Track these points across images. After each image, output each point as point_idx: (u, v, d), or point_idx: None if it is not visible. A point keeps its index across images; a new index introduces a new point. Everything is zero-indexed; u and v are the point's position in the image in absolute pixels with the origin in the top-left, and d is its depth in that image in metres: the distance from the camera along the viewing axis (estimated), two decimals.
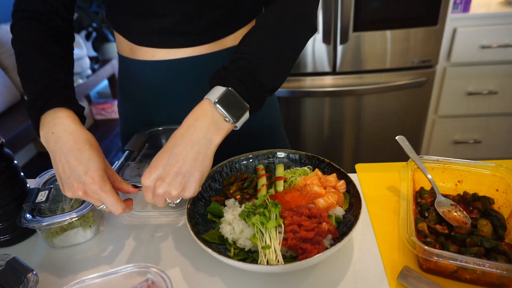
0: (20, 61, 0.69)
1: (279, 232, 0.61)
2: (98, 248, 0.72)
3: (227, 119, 0.59)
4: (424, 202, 0.71)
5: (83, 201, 0.70)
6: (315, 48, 1.92)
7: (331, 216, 0.67)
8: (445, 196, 0.72)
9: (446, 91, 2.08)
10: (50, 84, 0.65)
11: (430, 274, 0.60)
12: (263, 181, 0.75)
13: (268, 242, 0.60)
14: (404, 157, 0.77)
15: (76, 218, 0.68)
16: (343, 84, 2.00)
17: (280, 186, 0.74)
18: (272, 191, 0.73)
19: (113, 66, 3.30)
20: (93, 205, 0.69)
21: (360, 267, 0.63)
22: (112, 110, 3.32)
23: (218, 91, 0.59)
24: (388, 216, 0.74)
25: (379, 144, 2.18)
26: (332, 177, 0.73)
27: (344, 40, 1.88)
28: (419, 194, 0.74)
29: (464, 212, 0.68)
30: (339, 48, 1.91)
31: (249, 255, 0.63)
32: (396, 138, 0.78)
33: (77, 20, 2.92)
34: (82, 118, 0.66)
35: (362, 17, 1.82)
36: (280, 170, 0.77)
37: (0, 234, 0.72)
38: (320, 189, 0.70)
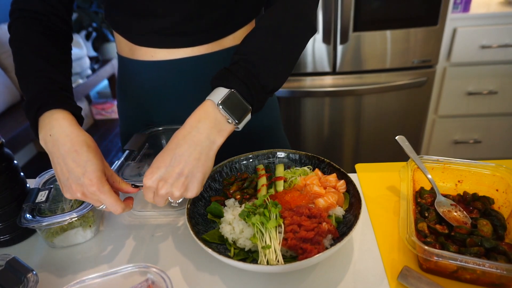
0: (17, 61, 0.69)
1: (279, 232, 0.61)
2: (98, 248, 0.72)
3: (229, 121, 0.59)
4: (424, 202, 0.71)
5: (83, 201, 0.70)
6: (315, 48, 1.92)
7: (331, 216, 0.67)
8: (445, 196, 0.72)
9: (446, 91, 2.08)
10: (47, 86, 0.65)
11: (430, 274, 0.60)
12: (263, 181, 0.75)
13: (268, 242, 0.60)
14: (404, 157, 0.77)
15: (76, 218, 0.68)
16: (343, 84, 2.00)
17: (280, 186, 0.74)
18: (272, 191, 0.73)
19: (113, 66, 3.30)
20: (93, 205, 0.69)
21: (360, 267, 0.63)
22: (112, 110, 3.32)
23: (221, 92, 0.59)
24: (388, 216, 0.74)
25: (379, 144, 2.18)
26: (332, 177, 0.73)
27: (344, 40, 1.88)
28: (419, 194, 0.74)
29: (464, 212, 0.68)
30: (339, 48, 1.91)
31: (249, 255, 0.63)
32: (396, 138, 0.78)
33: (77, 20, 2.92)
34: (79, 119, 0.66)
35: (362, 17, 1.82)
36: (280, 170, 0.77)
37: (0, 234, 0.72)
38: (320, 189, 0.70)
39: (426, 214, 0.68)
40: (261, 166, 0.80)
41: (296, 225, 0.61)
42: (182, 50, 0.81)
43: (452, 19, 1.89)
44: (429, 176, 0.73)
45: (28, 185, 0.77)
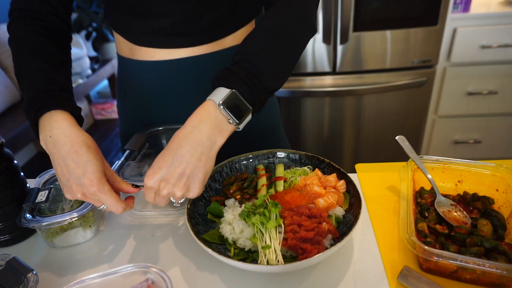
0: (16, 61, 0.69)
1: (279, 232, 0.61)
2: (98, 248, 0.72)
3: (230, 121, 0.59)
4: (424, 202, 0.71)
5: (83, 201, 0.70)
6: (315, 48, 1.92)
7: (331, 216, 0.67)
8: (445, 196, 0.72)
9: (446, 91, 2.08)
10: (47, 86, 0.65)
11: (430, 274, 0.60)
12: (263, 181, 0.75)
13: (268, 242, 0.60)
14: (404, 157, 0.77)
15: (76, 218, 0.68)
16: (343, 84, 2.00)
17: (280, 186, 0.74)
18: (272, 191, 0.73)
19: (113, 66, 3.30)
20: (93, 205, 0.69)
21: (360, 267, 0.63)
22: (112, 110, 3.32)
23: (222, 92, 0.59)
24: (388, 216, 0.74)
25: (379, 144, 2.18)
26: (332, 177, 0.73)
27: (344, 40, 1.88)
28: (419, 194, 0.74)
29: (464, 212, 0.68)
30: (339, 48, 1.91)
31: (249, 255, 0.63)
32: (396, 138, 0.78)
33: (77, 20, 2.92)
34: (79, 119, 0.66)
35: (362, 17, 1.82)
36: (280, 170, 0.77)
37: (0, 234, 0.72)
38: (320, 189, 0.70)
39: (426, 214, 0.68)
40: (261, 166, 0.80)
41: (296, 225, 0.61)
42: (182, 50, 0.81)
43: (452, 19, 1.89)
44: (429, 176, 0.73)
45: (28, 185, 0.77)
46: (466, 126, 2.19)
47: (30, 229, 0.74)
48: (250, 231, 0.64)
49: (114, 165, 0.75)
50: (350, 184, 0.71)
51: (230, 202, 0.72)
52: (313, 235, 0.59)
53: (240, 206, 0.71)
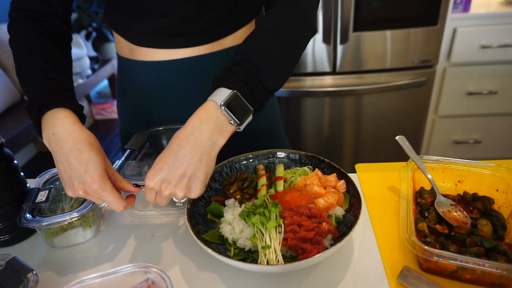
0: (17, 62, 0.69)
1: (279, 232, 0.61)
2: (98, 248, 0.72)
3: (231, 122, 0.59)
4: (424, 202, 0.71)
5: (83, 201, 0.70)
6: (315, 48, 1.92)
7: (331, 216, 0.67)
8: (445, 196, 0.72)
9: (446, 91, 2.08)
10: (48, 85, 0.65)
11: (430, 274, 0.60)
12: (263, 181, 0.75)
13: (268, 242, 0.60)
14: (404, 157, 0.77)
15: (76, 218, 0.68)
16: (343, 84, 2.00)
17: (280, 186, 0.74)
18: (272, 191, 0.73)
19: (113, 66, 3.30)
20: (93, 205, 0.69)
21: (360, 267, 0.63)
22: (112, 110, 3.32)
23: (223, 93, 0.59)
24: (388, 216, 0.74)
25: (379, 144, 2.18)
26: (332, 177, 0.73)
27: (344, 40, 1.88)
28: (419, 194, 0.74)
29: (464, 212, 0.68)
30: (339, 48, 1.91)
31: (249, 255, 0.63)
32: (396, 138, 0.78)
33: (77, 20, 2.92)
34: (81, 117, 0.66)
35: (362, 17, 1.82)
36: (280, 170, 0.77)
37: (0, 234, 0.72)
38: (320, 189, 0.70)
39: (426, 214, 0.68)
40: (261, 166, 0.80)
41: (296, 225, 0.61)
42: (182, 50, 0.81)
43: (452, 19, 1.89)
44: (429, 176, 0.73)
45: (28, 185, 0.77)
46: (466, 126, 2.19)
47: (30, 229, 0.74)
48: (250, 231, 0.64)
49: (114, 165, 0.75)
50: (350, 184, 0.71)
51: (230, 202, 0.72)
52: (313, 235, 0.59)
53: (240, 206, 0.71)
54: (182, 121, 0.61)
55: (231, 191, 0.74)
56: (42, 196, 0.72)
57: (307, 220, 0.62)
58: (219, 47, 0.82)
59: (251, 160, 0.82)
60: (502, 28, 1.89)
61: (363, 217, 0.74)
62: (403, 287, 0.58)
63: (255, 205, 0.66)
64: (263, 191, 0.73)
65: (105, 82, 3.56)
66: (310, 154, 0.80)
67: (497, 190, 0.71)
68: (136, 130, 0.89)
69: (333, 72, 1.98)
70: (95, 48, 3.26)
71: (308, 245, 0.58)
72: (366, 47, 1.90)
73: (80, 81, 2.84)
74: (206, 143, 0.58)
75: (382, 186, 0.82)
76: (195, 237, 0.60)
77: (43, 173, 0.81)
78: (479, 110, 2.13)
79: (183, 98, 0.87)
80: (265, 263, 0.58)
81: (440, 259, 0.54)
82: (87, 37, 3.14)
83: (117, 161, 0.77)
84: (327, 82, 2.01)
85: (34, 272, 0.56)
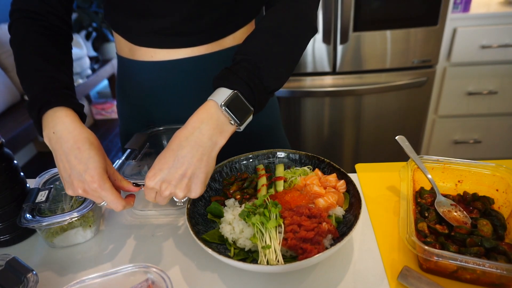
0: (18, 61, 0.69)
1: (279, 232, 0.61)
2: (98, 248, 0.72)
3: (232, 122, 0.59)
4: (424, 202, 0.71)
5: (83, 201, 0.70)
6: (315, 48, 1.92)
7: (331, 216, 0.67)
8: (445, 196, 0.72)
9: (446, 91, 2.08)
10: (49, 85, 0.65)
11: (430, 274, 0.60)
12: (263, 181, 0.75)
13: (268, 242, 0.60)
14: (404, 157, 0.78)
15: (76, 218, 0.68)
16: (343, 84, 2.00)
17: (280, 186, 0.74)
18: (272, 191, 0.73)
19: (113, 66, 3.30)
20: (93, 205, 0.69)
21: (360, 267, 0.63)
22: (112, 110, 3.32)
23: (223, 93, 0.59)
24: (388, 216, 0.74)
25: (379, 144, 2.18)
26: (332, 177, 0.73)
27: (344, 40, 1.88)
28: (419, 194, 0.74)
29: (464, 212, 0.68)
30: (339, 48, 1.91)
31: (249, 255, 0.63)
32: (396, 138, 0.79)
33: (77, 20, 2.92)
34: (82, 116, 0.66)
35: (362, 17, 1.82)
36: (280, 170, 0.77)
37: (0, 234, 0.72)
38: (320, 189, 0.70)
39: (426, 214, 0.68)
40: (261, 166, 0.80)
41: (296, 225, 0.61)
42: (182, 50, 0.81)
43: (452, 19, 1.89)
44: (429, 176, 0.73)
45: (28, 185, 0.77)
46: (466, 126, 2.19)
47: (30, 229, 0.74)
48: (250, 231, 0.64)
49: (114, 164, 0.75)
50: (350, 184, 0.71)
51: (230, 202, 0.72)
52: (313, 235, 0.59)
53: (240, 206, 0.71)
54: (182, 121, 0.61)
55: (231, 191, 0.74)
56: (42, 196, 0.72)
57: (307, 220, 0.62)
58: (219, 47, 0.82)
59: (251, 160, 0.82)
60: (502, 28, 1.89)
61: (363, 217, 0.74)
62: (403, 287, 0.58)
63: (255, 205, 0.66)
64: (263, 191, 0.73)
65: (105, 82, 3.56)
66: (310, 154, 0.80)
67: (497, 190, 0.71)
68: (136, 130, 0.89)
69: (333, 72, 1.99)
70: (95, 48, 3.26)
71: (308, 245, 0.58)
72: (366, 47, 1.90)
73: (80, 81, 2.84)
74: (207, 143, 0.58)
75: (382, 186, 0.82)
76: (195, 237, 0.60)
77: (43, 173, 0.81)
78: (479, 110, 2.13)
79: (183, 98, 0.87)
80: (265, 263, 0.58)
81: (440, 259, 0.54)
82: (87, 37, 3.14)
83: (117, 160, 0.78)
84: (327, 82, 2.01)
85: (34, 272, 0.56)
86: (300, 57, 0.70)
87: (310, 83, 2.01)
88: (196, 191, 0.59)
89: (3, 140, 0.72)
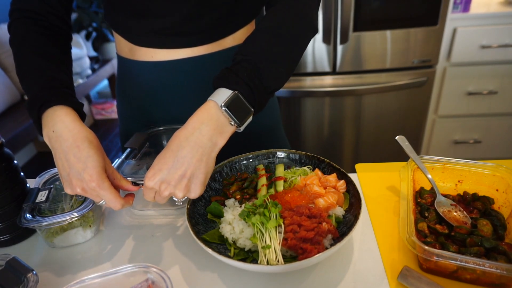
0: (17, 61, 0.69)
1: (279, 232, 0.61)
2: (98, 248, 0.72)
3: (232, 123, 0.59)
4: (424, 202, 0.71)
5: (83, 201, 0.70)
6: (315, 48, 1.92)
7: (331, 216, 0.67)
8: (445, 196, 0.72)
9: (446, 91, 2.08)
10: (48, 83, 0.65)
11: (430, 274, 0.60)
12: (263, 181, 0.75)
13: (268, 242, 0.60)
14: (404, 157, 0.77)
15: (76, 218, 0.68)
16: (343, 84, 2.00)
17: (280, 186, 0.74)
18: (272, 191, 0.73)
19: (113, 66, 3.30)
20: (93, 205, 0.69)
21: (360, 267, 0.63)
22: (112, 110, 3.32)
23: (224, 94, 0.59)
24: (388, 216, 0.74)
25: (379, 144, 2.18)
26: (332, 177, 0.73)
27: (344, 40, 1.88)
28: (419, 194, 0.74)
29: (464, 212, 0.68)
30: (339, 48, 1.91)
31: (249, 255, 0.63)
32: (396, 138, 0.78)
33: (77, 20, 2.92)
34: (82, 115, 0.66)
35: (362, 17, 1.82)
36: (280, 170, 0.77)
37: (0, 234, 0.72)
38: (320, 189, 0.70)
39: (426, 214, 0.68)
40: (261, 166, 0.80)
41: (296, 225, 0.61)
42: (182, 51, 0.81)
43: (452, 19, 1.89)
44: (429, 176, 0.73)
45: (28, 185, 0.77)
46: (466, 126, 2.19)
47: (30, 229, 0.74)
48: (250, 231, 0.64)
49: (114, 163, 0.75)
50: (350, 184, 0.71)
51: (230, 202, 0.72)
52: (313, 235, 0.59)
53: (240, 206, 0.71)
54: (182, 121, 0.61)
55: (231, 191, 0.74)
56: (42, 196, 0.72)
57: (307, 220, 0.62)
58: (219, 47, 0.82)
59: (251, 160, 0.82)
60: (502, 28, 1.89)
61: (363, 217, 0.74)
62: (403, 287, 0.58)
63: (255, 205, 0.66)
64: (263, 191, 0.73)
65: (105, 82, 3.56)
66: (310, 154, 0.80)
67: (497, 190, 0.71)
68: (136, 130, 0.89)
69: (333, 72, 1.99)
70: (95, 48, 3.26)
71: (308, 245, 0.58)
72: (366, 47, 1.90)
73: (80, 81, 2.84)
74: (206, 144, 0.58)
75: (382, 186, 0.82)
76: (195, 237, 0.60)
77: (43, 173, 0.81)
78: (479, 110, 2.13)
79: (183, 98, 0.87)
80: (265, 263, 0.58)
81: (440, 259, 0.54)
82: (87, 37, 3.14)
83: (117, 159, 0.78)
84: (327, 82, 2.01)
85: (34, 272, 0.56)
86: (300, 57, 0.70)
87: (310, 83, 2.01)
88: (196, 192, 0.59)
89: (3, 140, 0.72)
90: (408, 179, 0.72)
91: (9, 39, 0.72)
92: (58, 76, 0.67)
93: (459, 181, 0.75)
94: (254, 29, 0.68)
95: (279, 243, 0.60)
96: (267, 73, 0.61)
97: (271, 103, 0.96)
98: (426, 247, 0.55)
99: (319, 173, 0.76)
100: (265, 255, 0.59)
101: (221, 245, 0.65)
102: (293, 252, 0.60)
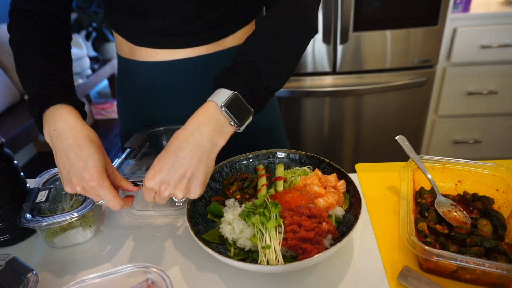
0: (18, 60, 0.69)
1: (279, 232, 0.61)
2: (98, 248, 0.72)
3: (232, 123, 0.59)
4: (424, 202, 0.71)
5: (83, 201, 0.70)
6: (315, 48, 1.92)
7: (331, 216, 0.67)
8: (445, 196, 0.72)
9: (446, 91, 2.08)
10: (49, 82, 0.65)
11: (430, 274, 0.60)
12: (263, 181, 0.75)
13: (268, 242, 0.60)
14: (404, 157, 0.77)
15: (76, 218, 0.68)
16: (343, 84, 2.00)
17: (280, 186, 0.74)
18: (272, 191, 0.73)
19: (113, 66, 3.30)
20: (93, 205, 0.69)
21: (360, 267, 0.63)
22: (112, 110, 3.32)
23: (224, 94, 0.59)
24: (388, 216, 0.74)
25: (379, 144, 2.18)
26: (332, 177, 0.73)
27: (344, 40, 1.88)
28: (419, 194, 0.74)
29: (464, 212, 0.68)
30: (339, 48, 1.91)
31: (249, 255, 0.63)
32: (396, 138, 0.78)
33: (77, 20, 2.92)
34: (83, 114, 0.66)
35: (362, 17, 1.82)
36: (280, 170, 0.77)
37: (0, 234, 0.72)
38: (320, 189, 0.70)
39: (426, 214, 0.68)
40: (261, 166, 0.80)
41: (296, 225, 0.61)
42: (182, 51, 0.81)
43: (452, 19, 1.89)
44: (429, 176, 0.73)
45: (28, 185, 0.77)
46: (466, 126, 2.19)
47: (30, 229, 0.74)
48: (250, 231, 0.64)
49: (113, 163, 0.75)
50: (350, 184, 0.71)
51: (230, 202, 0.72)
52: (313, 235, 0.59)
53: (240, 206, 0.71)
54: (182, 121, 0.61)
55: (231, 191, 0.74)
56: (42, 196, 0.72)
57: (307, 220, 0.62)
58: (220, 47, 0.82)
59: (251, 160, 0.82)
60: (502, 28, 1.90)
61: (363, 217, 0.74)
62: (403, 287, 0.58)
63: (255, 205, 0.66)
64: (263, 191, 0.73)
65: (105, 82, 3.56)
66: (310, 154, 0.80)
67: (497, 190, 0.71)
68: (136, 130, 0.89)
69: (333, 72, 1.99)
70: (95, 48, 3.26)
71: (308, 245, 0.58)
72: (366, 47, 1.90)
73: (80, 81, 2.84)
74: (206, 145, 0.58)
75: (382, 186, 0.82)
76: (195, 237, 0.60)
77: (43, 173, 0.81)
78: (479, 110, 2.13)
79: (183, 98, 0.87)
80: (265, 263, 0.58)
81: (440, 259, 0.54)
82: (87, 37, 3.14)
83: (117, 159, 0.78)
84: (327, 82, 2.01)
85: (34, 272, 0.56)
86: (300, 57, 0.70)
87: (310, 83, 2.01)
88: (196, 192, 0.59)
89: (3, 140, 0.72)
90: (408, 179, 0.72)
91: (9, 39, 0.72)
92: (58, 74, 0.67)
93: (459, 181, 0.75)
94: (254, 29, 0.68)
95: (279, 243, 0.60)
96: (267, 73, 0.61)
97: (271, 103, 0.96)
98: (426, 247, 0.55)
99: (319, 173, 0.76)
100: (265, 255, 0.59)
101: (221, 245, 0.65)
102: (293, 252, 0.60)
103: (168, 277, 0.54)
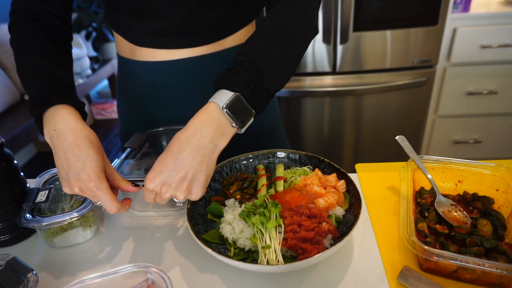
0: (18, 60, 0.69)
1: (279, 232, 0.61)
2: (98, 248, 0.72)
3: (233, 125, 0.59)
4: (424, 202, 0.71)
5: (83, 201, 0.70)
6: (315, 48, 1.92)
7: (331, 216, 0.67)
8: (445, 196, 0.72)
9: (446, 91, 2.08)
10: (49, 82, 0.65)
11: (430, 274, 0.60)
12: (263, 181, 0.75)
13: (268, 242, 0.60)
14: (404, 157, 0.78)
15: (76, 218, 0.68)
16: (343, 84, 2.00)
17: (280, 186, 0.74)
18: (272, 191, 0.73)
19: (113, 66, 3.30)
20: (93, 205, 0.69)
21: (360, 267, 0.63)
22: (112, 110, 3.32)
23: (225, 95, 0.59)
24: (388, 216, 0.74)
25: (379, 144, 2.18)
26: (332, 177, 0.73)
27: (344, 40, 1.88)
28: (419, 194, 0.74)
29: (464, 212, 0.68)
30: (339, 48, 1.91)
31: (249, 255, 0.63)
32: (396, 138, 0.79)
33: (77, 20, 2.92)
34: (83, 114, 0.66)
35: (362, 17, 1.82)
36: (280, 170, 0.77)
37: (0, 234, 0.72)
38: (320, 189, 0.70)
39: (426, 214, 0.68)
40: (261, 166, 0.80)
41: (296, 225, 0.61)
42: (182, 51, 0.81)
43: (452, 19, 1.89)
44: (429, 176, 0.73)
45: (28, 185, 0.77)
46: (466, 126, 2.19)
47: (30, 229, 0.74)
48: (250, 231, 0.64)
49: (113, 163, 0.75)
50: (350, 184, 0.71)
51: (230, 202, 0.72)
52: (313, 235, 0.59)
53: (240, 206, 0.71)
54: (182, 122, 0.61)
55: (231, 191, 0.74)
56: (42, 196, 0.72)
57: (307, 220, 0.62)
58: (220, 48, 0.82)
59: (251, 160, 0.82)
60: (502, 28, 1.90)
61: (363, 217, 0.74)
62: (403, 287, 0.58)
63: (255, 205, 0.66)
64: (263, 191, 0.73)
65: (105, 82, 3.56)
66: (310, 154, 0.80)
67: (497, 190, 0.71)
68: (136, 130, 0.89)
69: (333, 72, 1.99)
70: (95, 48, 3.26)
71: (308, 245, 0.58)
72: (366, 47, 1.90)
73: (80, 81, 2.84)
74: (208, 146, 0.58)
75: (382, 186, 0.82)
76: (195, 237, 0.60)
77: (43, 173, 0.81)
78: (479, 110, 2.13)
79: (183, 98, 0.87)
80: (265, 263, 0.58)
81: (440, 259, 0.54)
82: (87, 37, 3.14)
83: (116, 159, 0.77)
84: (327, 82, 2.01)
85: (34, 272, 0.56)
86: (301, 57, 0.70)
87: (310, 83, 2.01)
88: (197, 194, 0.59)
89: (3, 140, 0.72)
90: (408, 179, 0.72)
91: (9, 39, 0.72)
92: (59, 74, 0.67)
93: (459, 181, 0.75)
94: (255, 30, 0.68)
95: (279, 243, 0.60)
96: (268, 74, 0.61)
97: (271, 103, 0.96)
98: (426, 247, 0.55)
99: (319, 173, 0.76)
100: (265, 255, 0.59)
101: (221, 245, 0.65)
102: (293, 252, 0.60)
103: (168, 277, 0.54)
